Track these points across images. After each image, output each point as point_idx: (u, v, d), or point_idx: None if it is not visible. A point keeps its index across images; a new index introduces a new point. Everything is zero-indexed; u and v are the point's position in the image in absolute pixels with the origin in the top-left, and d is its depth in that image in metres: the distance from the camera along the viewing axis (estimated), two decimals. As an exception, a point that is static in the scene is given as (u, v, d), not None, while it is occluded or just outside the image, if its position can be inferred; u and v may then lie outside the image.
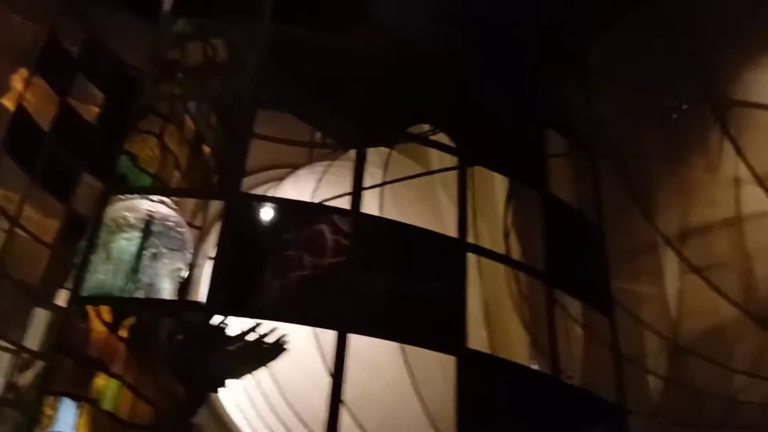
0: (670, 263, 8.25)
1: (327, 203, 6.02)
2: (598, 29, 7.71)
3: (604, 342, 7.33)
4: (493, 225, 9.13)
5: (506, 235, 8.84)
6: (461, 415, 4.21)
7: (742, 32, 8.09)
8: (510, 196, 8.79)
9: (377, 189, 8.32)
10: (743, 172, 8.11)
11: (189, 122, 5.31)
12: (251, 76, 4.51)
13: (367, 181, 8.48)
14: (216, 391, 5.07)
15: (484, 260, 9.03)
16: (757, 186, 8.09)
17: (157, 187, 5.02)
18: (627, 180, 7.90)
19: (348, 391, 8.75)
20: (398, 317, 4.34)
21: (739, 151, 7.89)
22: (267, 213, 4.23)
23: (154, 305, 4.70)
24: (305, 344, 7.00)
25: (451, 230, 6.89)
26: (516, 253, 8.55)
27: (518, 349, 8.90)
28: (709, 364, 8.17)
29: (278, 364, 7.75)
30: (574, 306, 8.44)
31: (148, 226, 5.18)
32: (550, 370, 4.87)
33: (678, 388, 8.39)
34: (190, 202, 6.03)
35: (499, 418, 4.40)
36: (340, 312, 4.08)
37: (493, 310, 9.24)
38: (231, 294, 3.96)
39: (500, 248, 8.52)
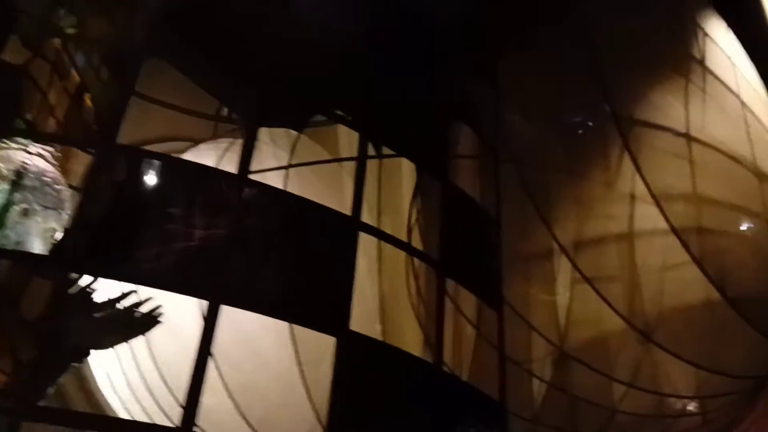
0: (563, 272, 8.39)
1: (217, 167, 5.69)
2: (516, 35, 7.76)
3: (493, 344, 7.36)
4: (396, 222, 9.04)
5: (409, 232, 8.76)
6: (336, 398, 4.03)
7: (650, 54, 8.36)
8: (416, 195, 8.71)
9: (282, 172, 8.08)
10: (639, 190, 8.35)
11: (73, 68, 4.89)
12: (145, 21, 4.18)
13: (272, 164, 8.28)
14: (79, 361, 4.66)
15: (385, 256, 8.96)
16: (651, 204, 8.36)
17: (25, 129, 4.56)
18: (528, 186, 7.97)
19: (233, 381, 8.43)
20: (278, 292, 4.11)
21: (639, 170, 8.09)
22: (147, 169, 3.91)
23: (4, 255, 4.25)
24: (189, 323, 6.63)
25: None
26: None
27: (411, 347, 8.80)
28: (592, 372, 8.36)
29: (158, 342, 7.37)
30: (469, 307, 8.46)
31: (21, 179, 4.70)
32: (433, 359, 4.76)
33: (560, 394, 8.54)
34: (76, 164, 5.56)
35: (377, 404, 4.24)
36: (214, 281, 3.81)
37: (389, 306, 9.13)
38: (95, 252, 3.63)
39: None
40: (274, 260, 4.17)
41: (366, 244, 8.41)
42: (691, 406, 8.95)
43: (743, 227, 8.58)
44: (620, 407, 8.52)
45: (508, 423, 5.61)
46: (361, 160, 4.87)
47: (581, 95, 8.56)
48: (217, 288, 3.70)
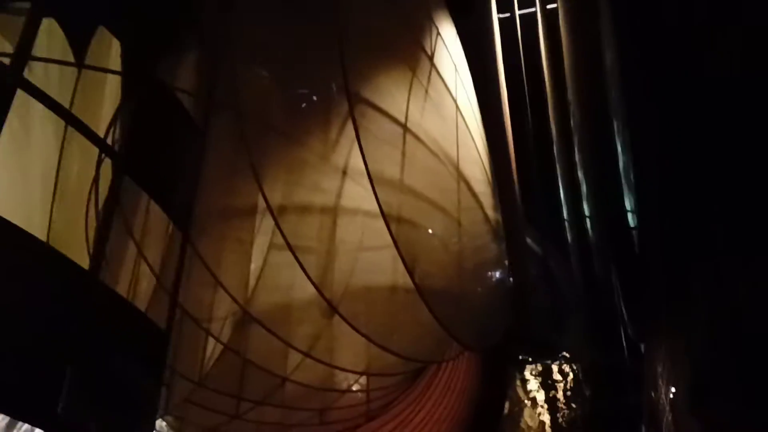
0: (261, 235, 8.04)
1: None
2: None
3: (168, 291, 6.76)
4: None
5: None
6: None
7: (386, 39, 8.39)
8: (117, 117, 7.66)
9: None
10: (351, 167, 8.33)
11: None
12: None
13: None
14: None
15: (65, 189, 7.67)
16: (358, 185, 8.38)
17: None
18: (245, 138, 7.45)
19: None
20: None
21: (360, 145, 7.93)
22: None
23: None
24: None
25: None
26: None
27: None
28: (269, 340, 8.13)
29: None
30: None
31: None
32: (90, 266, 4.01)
33: (234, 359, 8.17)
34: None
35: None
36: None
37: (60, 243, 7.91)
38: None
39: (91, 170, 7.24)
40: None
41: (45, 174, 7.18)
42: (358, 384, 9.21)
43: (437, 224, 9.01)
44: (292, 377, 8.42)
45: (169, 351, 5.04)
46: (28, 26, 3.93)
47: (317, 64, 8.30)
48: None
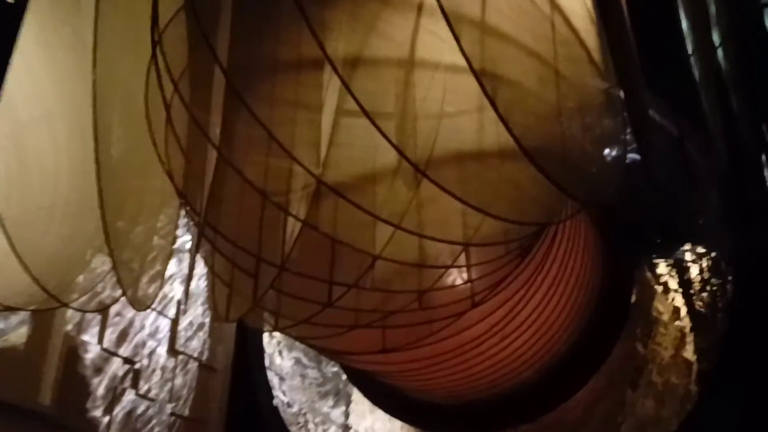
0: (329, 94, 7.17)
1: None
2: None
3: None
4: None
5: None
6: None
7: None
8: None
9: None
10: (426, 8, 7.25)
11: None
12: None
13: None
14: None
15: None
16: (432, 34, 7.30)
17: None
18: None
19: None
20: None
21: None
22: None
23: None
24: None
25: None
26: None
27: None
28: (352, 215, 7.38)
29: None
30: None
31: None
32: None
33: (317, 237, 7.49)
34: None
35: None
36: None
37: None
38: None
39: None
40: None
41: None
42: (457, 261, 8.34)
43: (528, 71, 7.78)
44: (383, 255, 7.66)
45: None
46: None
47: None
48: None
